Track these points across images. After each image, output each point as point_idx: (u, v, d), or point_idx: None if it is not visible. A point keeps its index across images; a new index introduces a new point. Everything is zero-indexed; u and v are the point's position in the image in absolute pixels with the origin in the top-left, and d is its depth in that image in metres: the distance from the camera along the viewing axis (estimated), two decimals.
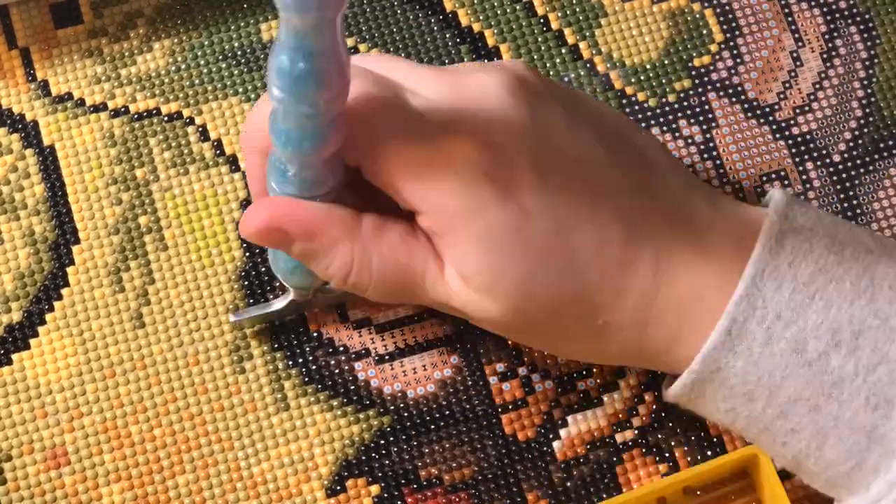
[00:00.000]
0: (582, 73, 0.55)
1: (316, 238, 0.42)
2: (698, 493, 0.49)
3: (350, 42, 0.55)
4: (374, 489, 0.49)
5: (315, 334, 0.51)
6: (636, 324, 0.43)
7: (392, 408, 0.50)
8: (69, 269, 0.51)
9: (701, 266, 0.43)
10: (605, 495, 0.50)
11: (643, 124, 0.55)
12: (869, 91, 0.56)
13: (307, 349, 0.51)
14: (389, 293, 0.43)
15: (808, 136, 0.55)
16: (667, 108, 0.55)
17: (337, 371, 0.51)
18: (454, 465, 0.50)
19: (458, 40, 0.55)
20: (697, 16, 0.57)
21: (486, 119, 0.41)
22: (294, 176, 0.41)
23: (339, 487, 0.49)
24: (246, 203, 0.53)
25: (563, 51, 0.56)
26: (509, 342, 0.51)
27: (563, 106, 0.43)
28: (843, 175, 0.55)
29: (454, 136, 0.41)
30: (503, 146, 0.41)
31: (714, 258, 0.43)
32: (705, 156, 0.54)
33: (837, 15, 0.57)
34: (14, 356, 0.50)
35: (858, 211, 0.54)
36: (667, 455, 0.50)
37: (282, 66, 0.36)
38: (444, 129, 0.41)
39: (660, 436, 0.51)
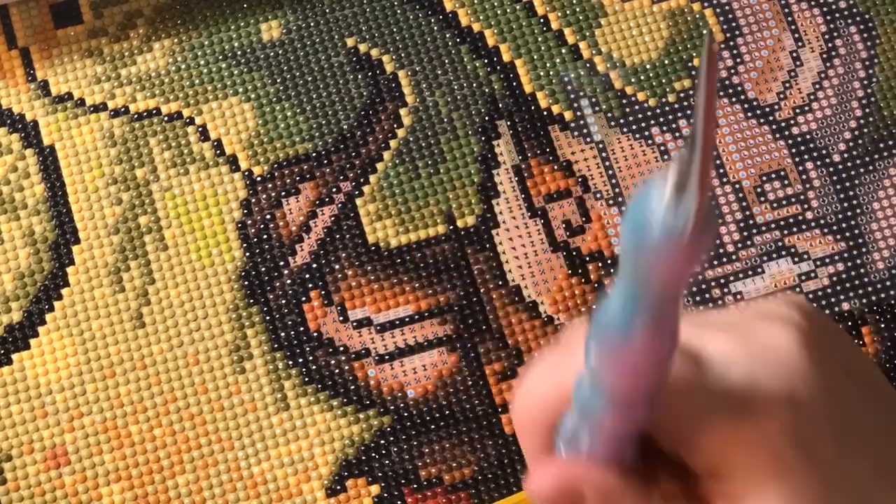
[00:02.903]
0: (582, 73, 0.55)
1: None
2: None
3: (350, 42, 0.55)
4: (374, 489, 0.49)
5: (315, 334, 0.51)
6: None
7: (392, 408, 0.50)
8: (69, 269, 0.51)
9: None
10: None
11: (643, 124, 0.55)
12: (869, 91, 0.56)
13: (307, 349, 0.51)
14: None
15: (808, 136, 0.55)
16: (667, 108, 0.55)
17: (337, 371, 0.51)
18: (454, 465, 0.50)
19: (458, 40, 0.55)
20: (697, 16, 0.57)
21: (786, 378, 0.39)
22: (589, 444, 0.38)
23: (339, 487, 0.49)
24: (246, 203, 0.53)
25: (563, 51, 0.56)
26: (509, 342, 0.51)
27: (844, 360, 0.41)
28: (843, 175, 0.55)
29: (756, 394, 0.38)
30: (805, 408, 0.38)
31: None
32: None
33: (837, 15, 0.57)
34: (14, 356, 0.50)
35: (858, 211, 0.54)
36: None
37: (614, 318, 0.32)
38: (744, 388, 0.38)
39: None
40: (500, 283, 0.52)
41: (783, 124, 0.55)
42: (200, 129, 0.54)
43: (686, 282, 0.31)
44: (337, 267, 0.52)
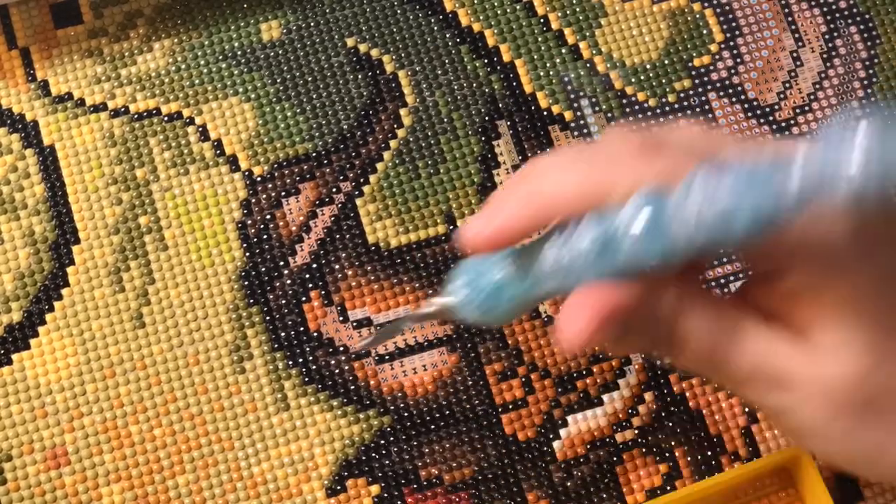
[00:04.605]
0: (582, 73, 0.55)
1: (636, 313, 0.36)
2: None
3: (350, 42, 0.55)
4: (374, 489, 0.49)
5: (315, 334, 0.51)
6: None
7: (392, 408, 0.50)
8: (69, 269, 0.51)
9: None
10: (604, 495, 0.50)
11: (643, 124, 0.55)
12: (869, 91, 0.56)
13: (307, 349, 0.51)
14: (705, 344, 0.37)
15: (808, 136, 0.55)
16: (667, 108, 0.55)
17: (337, 371, 0.51)
18: (454, 465, 0.50)
19: (458, 40, 0.55)
20: (697, 16, 0.57)
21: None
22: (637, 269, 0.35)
23: (339, 487, 0.49)
24: (246, 203, 0.53)
25: (563, 51, 0.56)
26: (509, 342, 0.51)
27: None
28: None
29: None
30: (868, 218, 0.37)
31: None
32: None
33: (837, 15, 0.57)
34: (14, 356, 0.50)
35: None
36: (667, 455, 0.50)
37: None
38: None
39: (660, 435, 0.51)
40: None
41: (783, 124, 0.55)
42: (200, 129, 0.54)
43: None
44: (337, 267, 0.52)
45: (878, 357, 0.36)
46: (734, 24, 0.56)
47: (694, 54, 0.56)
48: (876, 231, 0.37)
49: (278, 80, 0.54)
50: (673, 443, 0.51)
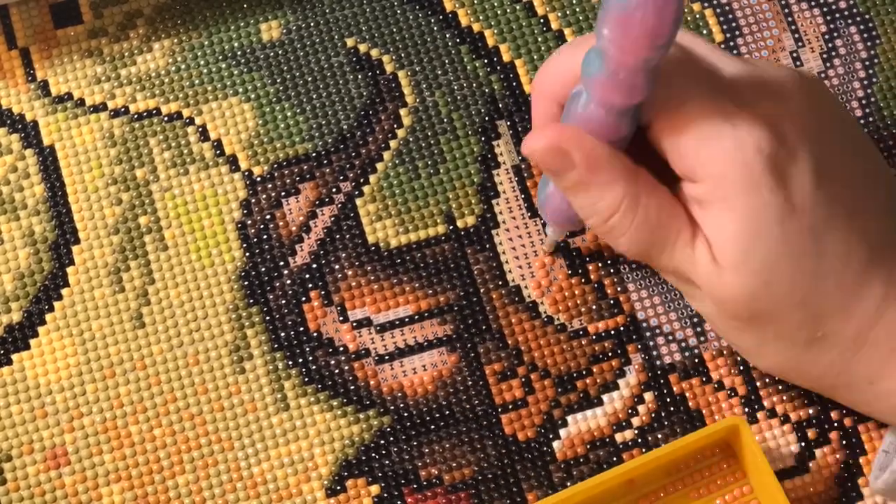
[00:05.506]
0: None
1: (595, 171, 0.43)
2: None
3: (350, 42, 0.55)
4: (374, 489, 0.49)
5: (315, 334, 0.51)
6: (852, 343, 0.43)
7: (392, 408, 0.50)
8: (69, 269, 0.51)
9: None
10: None
11: None
12: (869, 91, 0.56)
13: (307, 349, 0.51)
14: (639, 245, 0.44)
15: None
16: None
17: (337, 371, 0.51)
18: (454, 465, 0.50)
19: (458, 40, 0.55)
20: (697, 16, 0.57)
21: (780, 110, 0.43)
22: (586, 111, 0.42)
23: (339, 487, 0.49)
24: (246, 203, 0.53)
25: None
26: (509, 342, 0.51)
27: (843, 123, 0.46)
28: None
29: (746, 113, 0.42)
30: (789, 138, 0.42)
31: None
32: None
33: (837, 15, 0.57)
34: (14, 356, 0.50)
35: None
36: None
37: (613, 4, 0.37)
38: (738, 106, 0.42)
39: (659, 436, 0.51)
40: (500, 283, 0.52)
41: None
42: (200, 129, 0.54)
43: None
44: (337, 267, 0.52)
45: (767, 278, 0.42)
46: (734, 24, 0.56)
47: None
48: (791, 161, 0.42)
49: (278, 80, 0.54)
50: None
